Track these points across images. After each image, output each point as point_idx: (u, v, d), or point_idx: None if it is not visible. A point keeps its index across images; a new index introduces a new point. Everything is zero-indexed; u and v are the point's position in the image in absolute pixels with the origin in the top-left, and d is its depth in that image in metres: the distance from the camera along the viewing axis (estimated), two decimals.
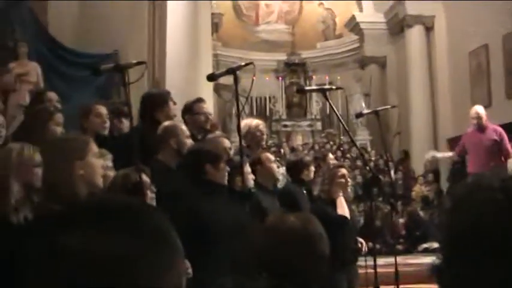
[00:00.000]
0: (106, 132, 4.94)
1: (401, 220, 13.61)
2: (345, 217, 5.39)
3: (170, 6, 10.74)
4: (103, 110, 4.99)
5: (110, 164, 3.74)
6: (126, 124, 5.35)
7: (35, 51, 9.00)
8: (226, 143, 5.13)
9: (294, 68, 22.04)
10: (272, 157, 5.43)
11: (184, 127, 4.85)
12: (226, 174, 4.27)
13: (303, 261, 2.21)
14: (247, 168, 4.69)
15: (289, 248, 2.23)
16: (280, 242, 2.25)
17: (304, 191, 5.77)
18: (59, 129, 4.43)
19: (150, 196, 3.69)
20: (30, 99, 7.33)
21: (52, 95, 5.52)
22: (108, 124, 4.99)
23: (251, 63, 4.07)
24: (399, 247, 11.99)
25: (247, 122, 5.85)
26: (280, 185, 6.11)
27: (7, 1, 9.11)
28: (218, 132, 5.76)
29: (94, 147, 3.20)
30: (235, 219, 4.12)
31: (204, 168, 4.14)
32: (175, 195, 3.87)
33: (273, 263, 2.23)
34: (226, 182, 4.27)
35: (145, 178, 3.68)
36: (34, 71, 8.54)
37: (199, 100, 5.67)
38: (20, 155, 3.31)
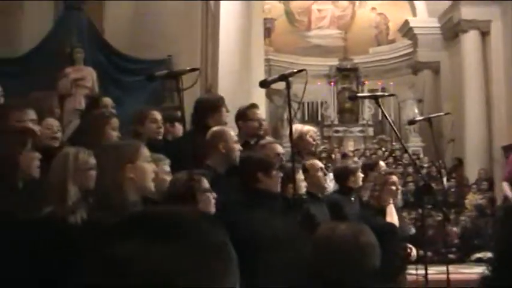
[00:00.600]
0: (160, 137, 4.99)
1: (454, 228, 13.39)
2: (394, 225, 5.31)
3: (223, 12, 10.83)
4: (158, 115, 5.03)
5: (167, 168, 3.78)
6: (179, 129, 5.40)
7: (90, 57, 9.19)
8: (279, 148, 5.11)
9: (346, 74, 21.91)
10: (319, 164, 5.36)
11: (232, 132, 4.85)
12: (280, 181, 4.23)
13: (354, 272, 2.16)
14: (300, 176, 4.67)
15: (339, 258, 2.18)
16: (330, 252, 2.21)
17: (352, 198, 5.71)
18: (115, 134, 4.51)
19: (211, 200, 3.72)
20: (86, 104, 7.49)
21: (107, 101, 5.62)
22: (162, 130, 5.05)
23: (303, 70, 4.06)
24: (451, 256, 11.79)
25: (299, 128, 5.82)
26: (330, 192, 6.07)
27: (65, 9, 9.34)
28: (270, 138, 5.75)
29: (145, 152, 3.26)
30: (287, 229, 4.11)
31: (256, 177, 4.15)
32: (227, 203, 3.88)
33: (323, 274, 2.19)
34: (279, 189, 4.24)
35: (204, 182, 3.72)
36: (90, 76, 8.71)
37: (253, 106, 5.66)
38: (76, 159, 3.41)
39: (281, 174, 4.24)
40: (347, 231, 2.25)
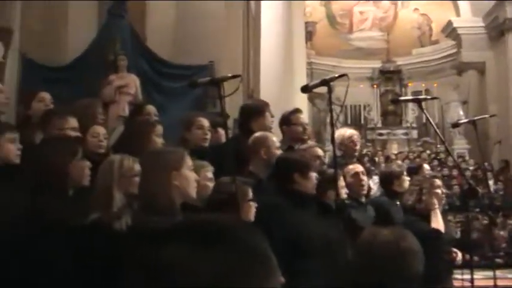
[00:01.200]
0: (207, 144, 5.00)
1: (501, 232, 13.13)
2: (439, 231, 5.21)
3: (264, 16, 10.86)
4: (205, 122, 5.04)
5: (210, 175, 3.80)
6: (221, 134, 5.42)
7: (133, 64, 9.29)
8: (319, 151, 5.10)
9: (389, 76, 21.76)
10: (359, 168, 5.31)
11: (275, 138, 4.86)
12: (315, 183, 4.21)
13: (395, 278, 2.15)
14: (341, 182, 4.65)
15: (380, 264, 2.17)
16: (371, 257, 2.20)
17: (398, 203, 5.65)
18: (160, 141, 4.56)
19: (252, 209, 3.74)
20: (130, 111, 7.57)
21: (151, 108, 5.66)
22: (209, 136, 5.05)
23: (345, 74, 4.05)
24: (499, 261, 11.57)
25: (341, 132, 5.80)
26: (375, 195, 6.02)
27: (108, 17, 9.47)
28: (311, 142, 5.74)
29: (189, 160, 3.29)
30: (325, 232, 4.10)
31: (293, 177, 4.15)
32: (265, 207, 3.89)
33: (363, 279, 2.18)
34: (314, 191, 4.22)
35: (248, 191, 3.74)
36: (133, 83, 8.80)
37: (296, 111, 5.66)
38: (121, 166, 3.47)
39: (316, 176, 4.22)
40: (389, 236, 2.23)
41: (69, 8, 9.63)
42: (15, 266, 3.20)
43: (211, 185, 3.64)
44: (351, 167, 5.28)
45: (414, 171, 6.32)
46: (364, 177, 5.28)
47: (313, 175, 4.17)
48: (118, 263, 2.97)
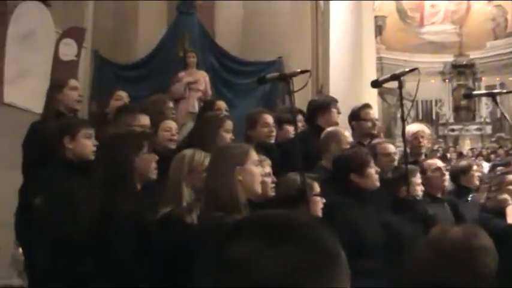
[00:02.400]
0: (272, 141, 4.98)
1: None
2: None
3: (333, 11, 10.77)
4: (270, 119, 5.03)
5: (267, 170, 3.77)
6: (288, 130, 5.40)
7: (203, 60, 9.39)
8: (391, 148, 5.01)
9: (462, 70, 21.28)
10: (436, 164, 5.20)
11: (347, 133, 4.82)
12: (377, 178, 4.13)
13: (463, 276, 2.09)
14: (417, 179, 4.56)
15: (448, 261, 2.11)
16: (441, 254, 2.14)
17: (469, 199, 5.52)
18: (229, 136, 4.57)
19: (319, 204, 3.72)
20: (200, 107, 7.65)
21: (221, 104, 5.69)
22: (274, 133, 5.03)
23: (416, 69, 3.97)
24: None
25: (410, 128, 5.68)
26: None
27: (178, 14, 9.60)
28: (382, 138, 5.65)
29: (254, 155, 3.27)
30: (396, 229, 4.04)
31: (349, 177, 4.09)
32: (330, 204, 3.86)
33: (432, 278, 2.13)
34: (376, 186, 4.15)
35: (316, 186, 3.72)
36: (202, 79, 8.89)
37: (366, 106, 5.60)
38: (191, 161, 3.49)
39: (378, 170, 4.14)
40: (459, 233, 2.17)
41: (139, 6, 9.82)
42: (90, 260, 3.27)
43: (268, 180, 3.60)
44: (430, 161, 5.19)
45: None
46: (446, 173, 5.17)
47: (372, 171, 4.09)
48: (189, 257, 3.01)
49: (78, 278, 3.40)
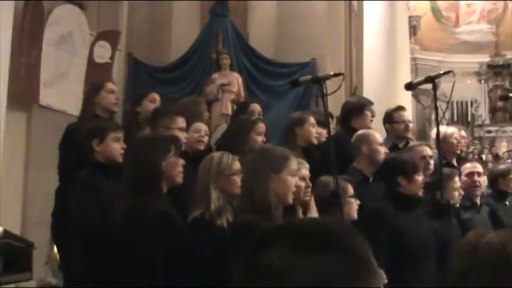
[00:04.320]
0: (315, 141, 5.00)
1: None
2: None
3: (366, 12, 10.70)
4: (314, 120, 5.07)
5: (303, 172, 3.74)
6: (320, 133, 5.38)
7: (236, 62, 9.41)
8: (427, 151, 4.95)
9: (498, 70, 20.94)
10: (476, 169, 5.12)
11: (377, 135, 4.79)
12: (421, 186, 4.08)
13: (501, 283, 2.04)
14: (455, 183, 4.51)
15: (484, 267, 2.07)
16: (475, 260, 2.10)
17: (507, 203, 5.43)
18: (260, 139, 4.58)
19: (354, 206, 3.70)
20: (234, 109, 7.67)
21: (255, 106, 5.69)
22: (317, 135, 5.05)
23: (450, 71, 3.93)
24: None
25: (443, 130, 5.59)
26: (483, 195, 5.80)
27: (211, 16, 9.64)
28: (418, 141, 5.60)
29: (292, 164, 3.25)
30: (431, 234, 4.00)
31: (397, 180, 4.05)
32: (373, 209, 3.84)
33: (467, 282, 2.09)
34: (420, 193, 4.09)
35: (349, 188, 3.70)
36: (236, 81, 8.92)
37: (399, 108, 5.57)
38: (218, 164, 3.48)
39: (422, 177, 4.09)
40: (495, 239, 2.12)
41: (173, 9, 9.88)
42: (118, 262, 3.30)
43: (303, 184, 3.58)
44: (468, 165, 5.12)
45: None
46: (479, 178, 5.09)
47: (420, 177, 4.05)
48: (221, 261, 3.01)
49: (110, 278, 3.44)
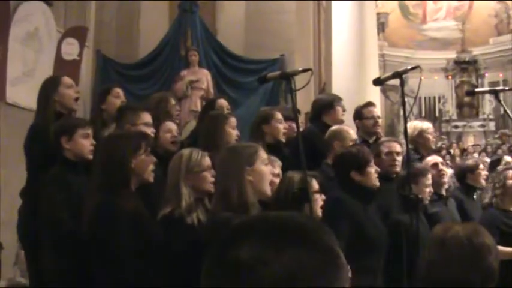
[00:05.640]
0: (283, 138, 4.96)
1: None
2: None
3: (335, 8, 10.77)
4: (281, 116, 5.02)
5: (277, 171, 3.76)
6: (290, 128, 5.37)
7: (205, 58, 9.40)
8: (397, 147, 4.96)
9: (465, 66, 21.21)
10: (435, 160, 5.16)
11: (351, 131, 4.82)
12: (376, 177, 4.10)
13: (468, 274, 2.08)
14: (427, 180, 4.54)
15: (451, 259, 2.11)
16: (443, 253, 2.14)
17: (474, 197, 5.49)
18: (235, 132, 4.57)
19: (319, 202, 3.71)
20: (202, 106, 7.65)
21: (223, 102, 5.67)
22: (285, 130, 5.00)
23: (417, 66, 3.96)
24: None
25: (418, 125, 5.61)
26: (450, 189, 5.86)
27: (180, 13, 9.61)
28: (386, 137, 5.63)
29: (263, 154, 3.27)
30: (396, 227, 4.05)
31: (350, 175, 4.06)
32: (336, 198, 3.86)
33: (436, 276, 2.12)
34: (375, 185, 4.13)
35: (314, 183, 3.70)
36: (205, 77, 8.90)
37: (369, 104, 5.62)
38: (188, 161, 3.46)
39: (378, 170, 4.11)
40: (461, 232, 2.16)
41: (141, 5, 9.83)
42: (89, 261, 3.27)
43: (277, 180, 3.59)
44: (429, 158, 5.15)
45: (495, 164, 6.09)
46: (444, 168, 5.14)
47: (371, 170, 4.06)
48: (191, 258, 3.00)
49: (80, 278, 3.41)
